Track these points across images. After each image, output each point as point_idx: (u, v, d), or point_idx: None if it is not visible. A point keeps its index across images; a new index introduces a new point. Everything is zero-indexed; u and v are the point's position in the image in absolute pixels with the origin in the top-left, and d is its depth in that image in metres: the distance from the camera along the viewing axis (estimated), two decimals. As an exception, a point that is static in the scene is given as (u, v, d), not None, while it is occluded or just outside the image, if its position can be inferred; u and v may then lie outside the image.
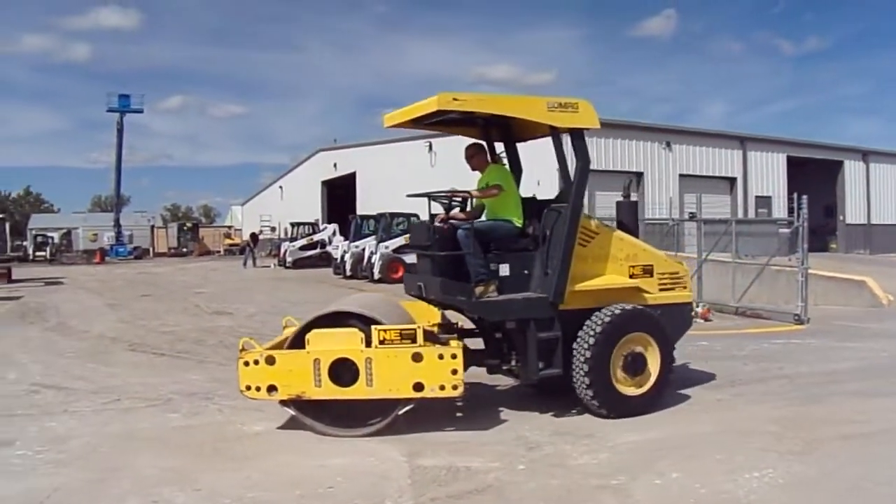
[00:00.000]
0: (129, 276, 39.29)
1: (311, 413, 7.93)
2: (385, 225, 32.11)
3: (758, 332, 15.85)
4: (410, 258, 30.15)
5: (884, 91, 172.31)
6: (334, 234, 43.15)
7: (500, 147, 9.81)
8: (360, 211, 43.98)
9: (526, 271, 8.65)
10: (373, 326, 7.76)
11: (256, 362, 7.79)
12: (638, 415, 8.39)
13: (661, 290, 9.19)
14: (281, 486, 6.41)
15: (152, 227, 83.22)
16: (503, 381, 9.82)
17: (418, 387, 7.65)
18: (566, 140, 9.08)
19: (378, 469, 6.82)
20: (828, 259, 29.10)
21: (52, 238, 70.65)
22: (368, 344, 7.70)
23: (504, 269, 8.57)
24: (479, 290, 8.34)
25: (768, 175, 38.22)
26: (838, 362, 12.12)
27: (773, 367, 11.51)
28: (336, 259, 35.90)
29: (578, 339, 8.33)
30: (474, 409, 8.59)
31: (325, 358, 7.71)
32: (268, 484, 6.47)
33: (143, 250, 72.59)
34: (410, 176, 39.47)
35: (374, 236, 32.29)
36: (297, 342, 7.93)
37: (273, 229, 64.49)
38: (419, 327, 7.87)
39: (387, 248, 30.61)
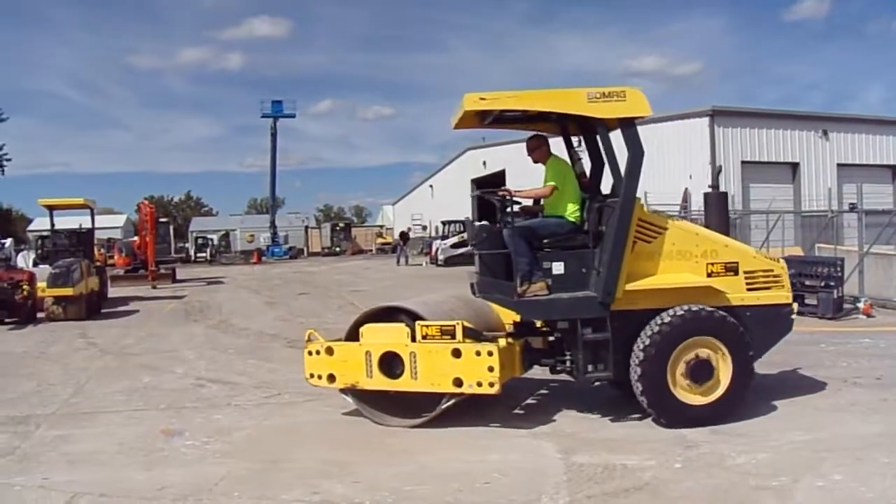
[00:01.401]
0: (286, 275, 40.45)
1: (368, 402, 8.43)
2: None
3: (927, 328, 15.15)
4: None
5: None
6: (484, 231, 43.22)
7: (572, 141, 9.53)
8: (510, 208, 44.02)
9: (584, 269, 8.27)
10: (417, 322, 8.04)
11: (318, 352, 8.45)
12: (703, 425, 7.82)
13: (749, 289, 8.47)
14: (438, 480, 6.50)
15: (306, 227, 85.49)
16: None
17: (458, 382, 7.82)
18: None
19: (534, 465, 6.84)
20: None
21: (212, 240, 73.48)
22: (413, 339, 8.01)
23: (558, 268, 8.27)
24: (521, 288, 8.08)
25: (934, 161, 36.43)
26: None
27: (945, 366, 10.98)
28: (487, 256, 35.96)
29: (637, 342, 7.94)
30: (627, 407, 8.48)
31: (374, 350, 8.15)
32: (425, 477, 6.58)
33: (297, 250, 74.56)
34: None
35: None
36: (353, 335, 8.40)
37: (424, 228, 65.22)
38: (458, 324, 7.95)
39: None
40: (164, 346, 14.91)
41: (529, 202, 9.30)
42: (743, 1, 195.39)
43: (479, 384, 7.71)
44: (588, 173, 9.15)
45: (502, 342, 8.06)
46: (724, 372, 8.01)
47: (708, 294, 8.25)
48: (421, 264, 45.77)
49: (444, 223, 49.73)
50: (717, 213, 9.26)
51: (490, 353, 7.69)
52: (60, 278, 19.70)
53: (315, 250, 78.65)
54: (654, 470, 6.60)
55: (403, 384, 8.10)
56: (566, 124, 9.24)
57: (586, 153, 9.29)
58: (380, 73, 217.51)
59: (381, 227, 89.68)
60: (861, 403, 8.74)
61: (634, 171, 8.10)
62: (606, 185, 8.84)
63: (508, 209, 8.52)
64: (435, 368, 7.88)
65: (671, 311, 7.95)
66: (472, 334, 8.08)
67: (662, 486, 6.22)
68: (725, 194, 9.69)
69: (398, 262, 47.31)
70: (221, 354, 13.73)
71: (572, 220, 8.57)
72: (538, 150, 8.98)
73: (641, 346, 7.88)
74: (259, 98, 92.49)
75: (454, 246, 43.76)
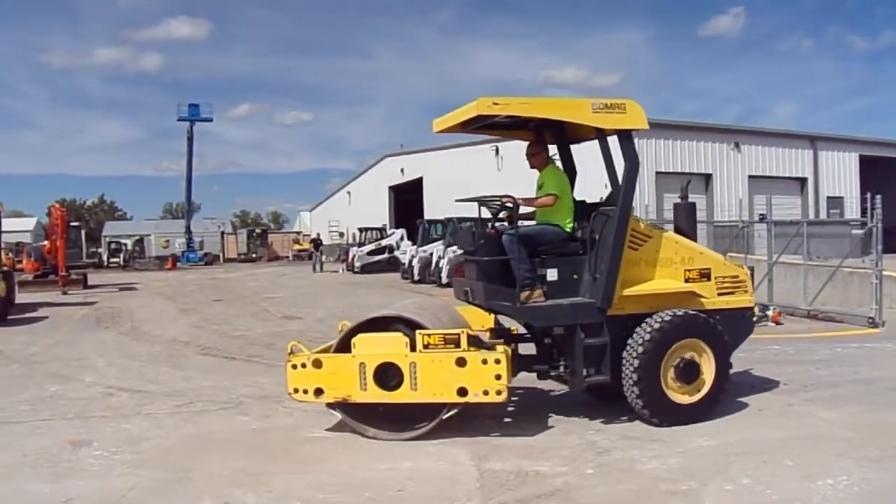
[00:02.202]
0: (201, 281, 39.93)
1: (357, 416, 8.02)
2: (452, 229, 32.15)
3: (830, 335, 15.53)
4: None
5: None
6: (402, 238, 43.37)
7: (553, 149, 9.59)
8: (427, 216, 44.18)
9: (575, 276, 8.49)
10: (417, 331, 7.78)
11: (304, 366, 7.92)
12: (691, 423, 8.16)
13: (719, 294, 8.91)
14: (351, 489, 6.47)
15: (222, 233, 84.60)
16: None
17: (462, 392, 7.62)
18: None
19: (447, 472, 6.85)
20: (903, 261, 28.43)
21: (126, 245, 72.25)
22: (413, 348, 7.72)
23: (552, 274, 8.45)
24: (524, 295, 8.20)
25: (840, 175, 37.56)
26: (916, 367, 11.83)
27: (847, 371, 11.28)
28: (404, 264, 36.08)
29: (628, 346, 8.14)
30: (540, 414, 8.55)
31: (370, 362, 7.76)
32: (338, 486, 6.54)
33: (213, 256, 73.71)
34: (477, 180, 39.51)
35: (441, 241, 32.38)
36: (343, 346, 8.02)
37: (341, 234, 65.00)
38: (463, 332, 7.79)
39: (454, 252, 30.63)
40: (73, 354, 14.53)
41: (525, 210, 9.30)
42: (662, 16, 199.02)
43: (486, 392, 7.62)
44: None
45: (499, 349, 8.00)
46: (708, 372, 8.39)
47: (687, 299, 8.65)
48: (338, 271, 45.63)
49: (360, 230, 49.61)
50: (687, 222, 9.58)
51: (497, 361, 7.63)
52: (-36, 284, 19.14)
53: (231, 256, 77.91)
54: (567, 476, 6.66)
55: (401, 396, 7.75)
56: (544, 133, 9.34)
57: (560, 162, 9.50)
58: (299, 77, 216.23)
59: (298, 233, 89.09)
60: (769, 409, 8.95)
61: (631, 181, 8.38)
62: (578, 194, 9.15)
63: (508, 216, 8.77)
64: (437, 378, 7.65)
65: (662, 316, 8.23)
66: (476, 342, 8.11)
67: (574, 492, 6.28)
68: (694, 205, 9.89)
69: (314, 268, 47.16)
70: (132, 362, 13.44)
71: (568, 229, 8.75)
72: (537, 157, 9.11)
73: (636, 349, 8.10)
74: (176, 101, 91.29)
75: (371, 253, 43.76)
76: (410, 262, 34.33)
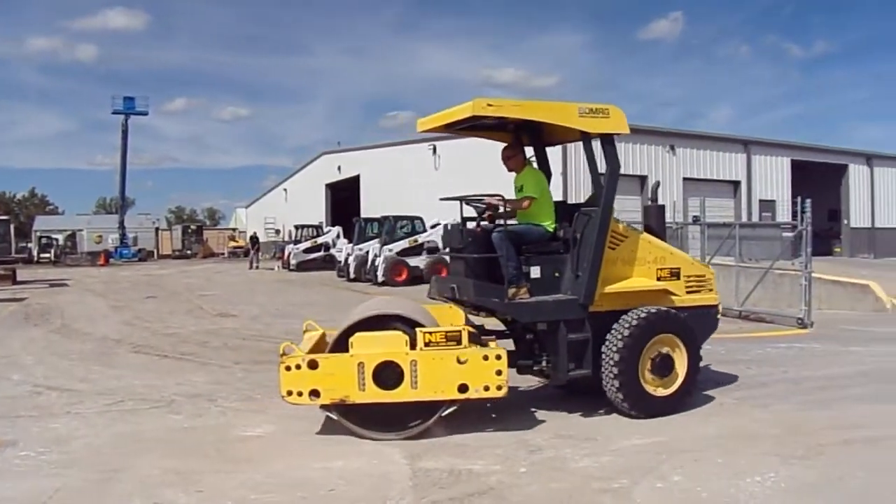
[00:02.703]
0: (134, 278, 39.36)
1: (351, 418, 7.80)
2: (389, 227, 32.12)
3: (761, 335, 15.82)
4: (414, 261, 30.29)
5: (890, 96, 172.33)
6: (338, 236, 43.23)
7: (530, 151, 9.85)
8: (364, 213, 44.07)
9: (557, 274, 8.77)
10: (418, 329, 7.79)
11: (298, 367, 7.62)
12: (665, 415, 8.53)
13: (688, 292, 9.33)
14: (283, 488, 6.41)
15: (157, 229, 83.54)
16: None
17: (463, 388, 7.69)
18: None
19: (380, 471, 6.82)
20: (832, 263, 29.07)
21: (57, 240, 70.99)
22: (413, 346, 7.70)
23: (535, 272, 8.71)
24: (511, 291, 8.43)
25: (772, 179, 38.26)
26: (842, 366, 12.09)
27: (777, 371, 11.50)
28: (340, 262, 35.98)
29: (608, 341, 8.43)
30: (475, 413, 8.56)
31: (369, 361, 7.61)
32: (270, 486, 6.48)
33: (147, 252, 72.86)
34: (414, 178, 39.59)
35: (377, 239, 32.30)
36: (340, 346, 7.83)
37: (277, 232, 64.56)
38: (464, 329, 7.92)
39: (390, 250, 30.62)
40: (0, 352, 14.24)
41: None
42: (601, 19, 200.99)
43: (487, 388, 7.72)
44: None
45: (495, 345, 8.18)
46: (681, 366, 8.76)
47: (660, 296, 9.07)
48: (273, 269, 45.31)
49: (297, 227, 49.34)
50: (657, 223, 9.88)
51: (498, 357, 7.78)
52: None
53: (166, 253, 77.08)
54: (499, 474, 6.67)
55: (401, 395, 7.65)
56: (521, 136, 9.56)
57: (536, 164, 9.71)
58: (238, 72, 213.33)
59: (234, 230, 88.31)
60: (700, 407, 9.09)
61: (613, 183, 8.75)
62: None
63: (494, 215, 8.94)
64: (439, 376, 7.65)
65: (640, 312, 8.56)
66: (474, 339, 8.19)
67: (507, 491, 6.30)
68: (664, 206, 10.20)
69: (250, 265, 46.87)
70: (62, 360, 13.17)
71: (550, 229, 8.96)
72: (513, 159, 9.29)
73: (615, 344, 8.39)
74: (111, 93, 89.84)
75: (307, 251, 43.56)
76: (346, 260, 34.21)
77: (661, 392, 8.63)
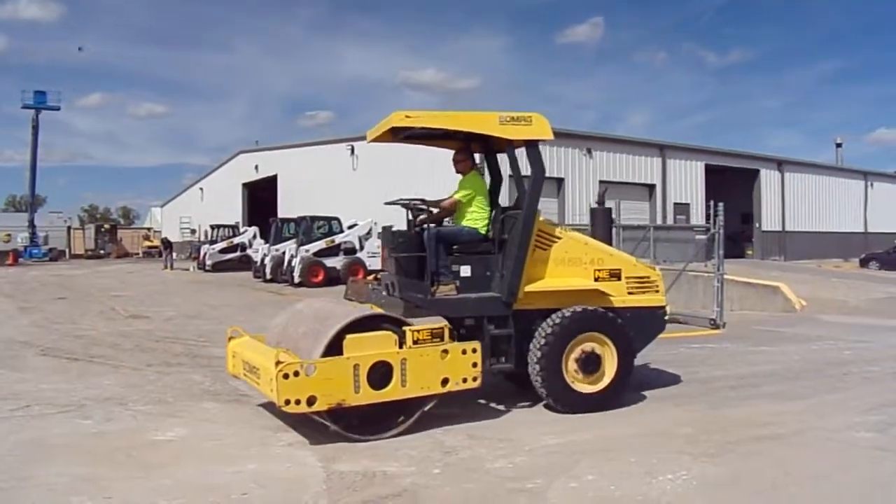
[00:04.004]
0: (44, 278, 38.38)
1: (340, 423, 7.70)
2: (306, 228, 31.94)
3: (675, 336, 16.02)
4: (331, 262, 30.15)
5: (800, 104, 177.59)
6: (255, 237, 42.92)
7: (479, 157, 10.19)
8: (281, 214, 43.72)
9: (488, 273, 9.00)
10: (406, 328, 7.97)
11: (296, 373, 7.37)
12: (593, 411, 8.76)
13: (630, 293, 9.53)
14: (194, 494, 6.30)
15: (69, 228, 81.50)
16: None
17: (444, 382, 8.02)
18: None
19: (293, 474, 6.75)
20: (744, 265, 29.67)
21: (-38, 238, 68.85)
22: (401, 345, 7.86)
23: (465, 271, 8.96)
24: (433, 288, 8.71)
25: (687, 182, 38.93)
26: (753, 366, 12.36)
27: (689, 370, 11.71)
28: (256, 262, 35.69)
29: (534, 338, 8.72)
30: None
31: (364, 363, 7.63)
32: (181, 491, 6.35)
33: (58, 252, 71.13)
34: (332, 179, 39.39)
35: (294, 240, 32.10)
36: (332, 350, 7.66)
37: (193, 231, 63.70)
38: (446, 326, 8.20)
39: (307, 251, 30.43)
40: None
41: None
42: (520, 23, 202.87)
43: (465, 380, 8.13)
44: (488, 188, 9.85)
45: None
46: (610, 364, 9.03)
47: (595, 296, 9.28)
48: (188, 269, 44.70)
49: (212, 227, 48.74)
50: (602, 226, 10.10)
51: (474, 350, 8.22)
52: None
53: (78, 252, 75.39)
54: (414, 476, 6.67)
55: (392, 393, 7.76)
56: (471, 144, 9.74)
57: (487, 170, 10.17)
58: (155, 68, 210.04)
59: (149, 229, 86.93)
60: (615, 408, 9.15)
61: (537, 187, 9.07)
62: (504, 199, 9.91)
63: (424, 216, 9.26)
64: (425, 372, 7.88)
65: (565, 310, 8.85)
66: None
67: (421, 492, 6.30)
68: (610, 210, 10.49)
69: (165, 266, 46.20)
70: (-35, 363, 12.78)
71: (483, 231, 9.28)
72: (462, 163, 9.62)
73: (539, 341, 8.72)
74: (21, 86, 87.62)
75: (223, 251, 43.13)
76: (263, 260, 33.96)
77: (588, 388, 8.89)
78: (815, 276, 28.81)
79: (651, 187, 37.72)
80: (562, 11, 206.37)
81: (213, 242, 45.44)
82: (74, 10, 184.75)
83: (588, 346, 8.87)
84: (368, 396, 7.65)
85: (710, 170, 39.76)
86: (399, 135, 9.36)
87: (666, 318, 10.03)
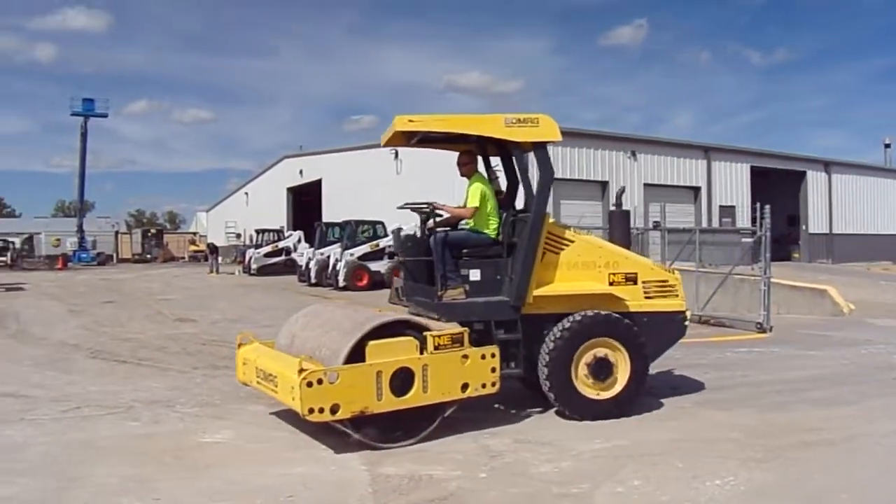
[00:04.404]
0: (92, 282, 38.89)
1: (363, 431, 7.56)
2: (350, 232, 32.03)
3: (721, 340, 15.93)
4: (375, 266, 30.22)
5: (847, 104, 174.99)
6: (299, 241, 43.07)
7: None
8: (325, 218, 43.89)
9: (498, 277, 8.85)
10: (427, 333, 7.84)
11: (320, 381, 7.18)
12: (604, 419, 8.57)
13: (647, 297, 9.31)
14: (241, 496, 6.35)
15: (116, 232, 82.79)
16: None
17: (464, 387, 7.92)
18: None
19: (339, 478, 6.78)
20: (790, 268, 29.37)
21: (14, 243, 69.90)
22: (422, 351, 7.74)
23: (475, 275, 8.84)
24: (442, 293, 8.61)
25: (732, 185, 38.63)
26: (800, 370, 12.21)
27: (736, 375, 11.60)
28: (301, 266, 35.80)
29: (544, 343, 8.58)
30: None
31: (386, 369, 7.47)
32: (228, 493, 6.41)
33: (106, 256, 72.11)
34: (376, 183, 39.46)
35: (339, 244, 32.21)
36: (354, 356, 7.47)
37: (238, 236, 64.19)
38: (466, 331, 8.08)
39: (352, 255, 30.51)
40: (-47, 357, 14.00)
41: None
42: (565, 24, 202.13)
43: (484, 385, 8.05)
44: (504, 190, 9.80)
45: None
46: (623, 370, 8.80)
47: (610, 301, 9.03)
48: (234, 273, 45.05)
49: (257, 231, 49.05)
50: (620, 229, 9.95)
51: (493, 355, 8.13)
52: None
53: (125, 257, 76.41)
54: (459, 480, 6.65)
55: (413, 400, 7.61)
56: (486, 146, 9.72)
57: (503, 173, 9.90)
58: (200, 75, 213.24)
59: (195, 233, 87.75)
60: (660, 411, 9.16)
61: (545, 189, 8.84)
62: (521, 202, 9.53)
63: (432, 220, 9.27)
64: (445, 378, 7.78)
65: (574, 315, 8.65)
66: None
67: (467, 496, 6.28)
68: (628, 212, 10.28)
69: (210, 270, 46.58)
70: (16, 366, 12.97)
71: (492, 235, 9.14)
72: (467, 166, 9.50)
73: (548, 346, 8.56)
74: (70, 94, 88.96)
75: (267, 255, 43.33)
76: (307, 264, 34.05)
77: (600, 395, 8.72)
78: (863, 279, 28.42)
79: (696, 190, 37.48)
80: (605, 13, 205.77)
81: (258, 246, 45.70)
82: (121, 19, 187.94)
83: (600, 352, 8.69)
84: (391, 403, 7.51)
85: (755, 171, 39.43)
86: (411, 139, 9.34)
87: (686, 323, 9.77)
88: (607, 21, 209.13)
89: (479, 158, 9.86)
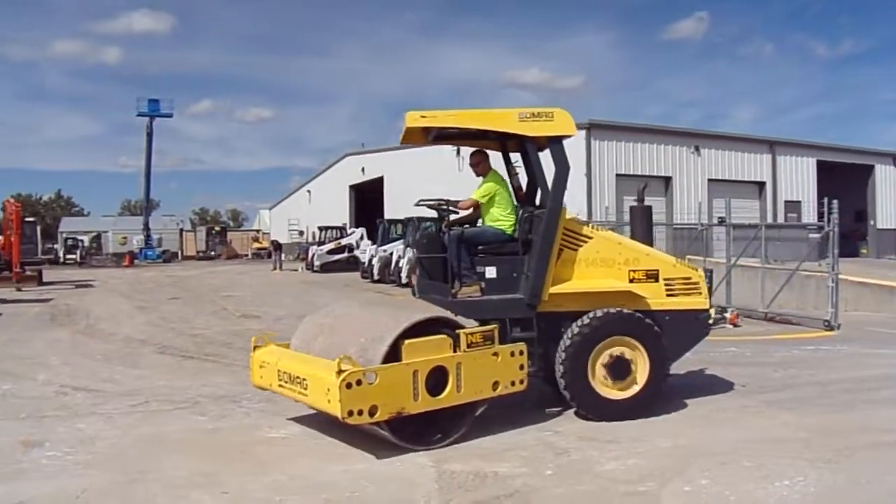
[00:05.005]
0: (158, 279, 39.52)
1: (399, 433, 7.36)
2: (412, 229, 32.06)
3: (787, 338, 15.71)
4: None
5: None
6: (362, 238, 43.24)
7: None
8: (387, 215, 44.04)
9: (514, 274, 8.78)
10: (460, 331, 7.70)
11: (359, 382, 6.88)
12: (622, 419, 8.40)
13: (668, 295, 9.09)
14: (307, 491, 6.40)
15: (181, 230, 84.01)
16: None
17: (495, 385, 7.78)
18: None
19: (405, 474, 6.80)
20: (858, 264, 28.83)
21: (83, 241, 71.42)
22: (455, 348, 7.60)
23: (491, 272, 8.77)
24: (457, 290, 8.60)
25: (798, 179, 37.96)
26: (870, 369, 11.99)
27: (804, 373, 11.41)
28: (363, 263, 35.97)
29: (561, 340, 8.48)
30: (497, 415, 8.51)
31: (422, 368, 7.27)
32: (294, 488, 6.47)
33: (171, 253, 73.34)
34: (438, 180, 39.42)
35: (401, 240, 32.31)
36: (391, 356, 7.27)
37: (301, 233, 64.73)
38: (496, 328, 7.95)
39: (414, 252, 30.50)
40: (26, 352, 14.28)
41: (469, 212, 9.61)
42: (625, 20, 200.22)
43: (513, 383, 7.92)
44: (525, 186, 9.68)
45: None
46: (642, 370, 8.62)
47: (629, 298, 8.85)
48: (297, 270, 45.42)
49: (320, 229, 49.43)
50: (642, 225, 9.76)
51: (521, 352, 7.99)
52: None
53: (190, 254, 77.56)
54: (525, 477, 6.64)
55: (448, 399, 7.46)
56: (505, 142, 9.63)
57: (523, 168, 9.72)
58: (262, 74, 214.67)
59: (258, 231, 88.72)
60: (726, 410, 9.05)
61: (561, 185, 8.73)
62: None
63: (446, 217, 9.10)
64: (478, 376, 7.63)
65: (593, 313, 8.50)
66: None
67: (533, 493, 6.26)
68: (650, 208, 10.08)
69: (274, 267, 47.04)
70: (87, 361, 13.25)
71: (509, 232, 9.03)
72: (480, 165, 9.44)
73: (564, 345, 8.42)
74: (136, 95, 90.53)
75: (330, 252, 43.57)
76: (370, 261, 34.24)
77: (618, 395, 8.55)
78: (934, 275, 27.84)
79: (761, 185, 36.91)
80: (666, 6, 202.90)
81: (321, 243, 46.04)
82: (185, 21, 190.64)
83: (617, 351, 8.51)
84: (427, 403, 7.33)
85: (821, 166, 38.68)
86: (429, 135, 9.27)
87: (710, 321, 9.50)
88: (668, 14, 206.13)
89: (500, 154, 9.82)
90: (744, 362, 12.02)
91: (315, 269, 42.58)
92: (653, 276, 9.05)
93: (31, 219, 48.13)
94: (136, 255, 65.37)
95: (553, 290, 8.61)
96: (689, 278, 9.28)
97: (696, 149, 34.49)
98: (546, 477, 6.68)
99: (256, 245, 77.55)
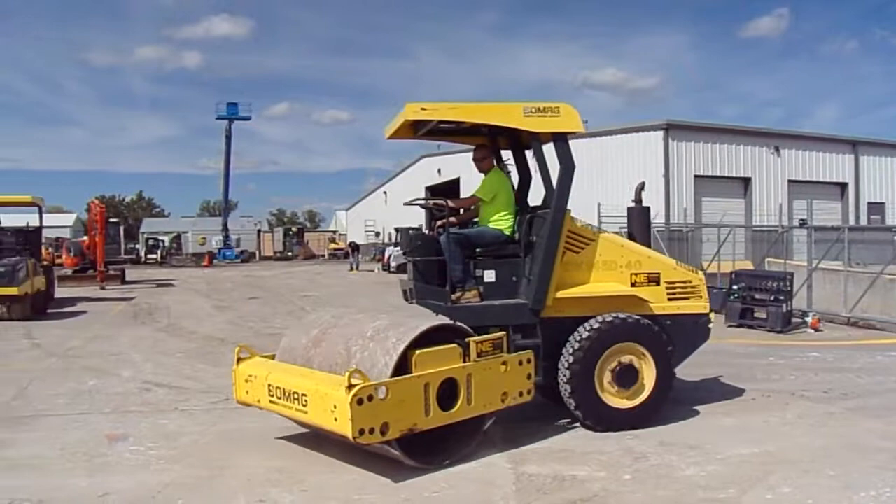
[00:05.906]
0: (237, 278, 40.16)
1: (410, 452, 6.82)
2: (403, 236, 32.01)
3: (871, 343, 15.32)
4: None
5: None
6: (438, 239, 43.28)
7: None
8: (463, 216, 44.07)
9: (514, 278, 8.48)
10: (470, 339, 7.19)
11: (370, 398, 6.29)
12: (630, 428, 8.13)
13: (670, 299, 8.81)
14: (385, 490, 6.43)
15: (259, 231, 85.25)
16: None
17: (503, 397, 7.37)
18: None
19: (483, 476, 6.79)
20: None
21: (163, 241, 73.02)
22: (465, 359, 7.11)
23: (489, 276, 8.44)
24: (456, 295, 8.20)
25: (882, 180, 37.12)
26: (959, 376, 11.64)
27: (889, 380, 11.10)
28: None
29: (564, 349, 8.15)
30: (573, 419, 8.51)
31: (433, 381, 6.76)
32: (373, 487, 6.50)
33: (249, 254, 74.42)
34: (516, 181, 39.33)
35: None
36: (400, 368, 6.71)
37: (377, 234, 65.15)
38: (504, 335, 7.57)
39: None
40: (110, 349, 14.67)
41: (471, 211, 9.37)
42: (702, 18, 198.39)
43: (521, 394, 7.54)
44: (516, 186, 9.33)
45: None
46: (649, 377, 8.34)
47: (632, 303, 8.57)
48: (373, 270, 45.75)
49: (397, 230, 49.63)
50: (640, 226, 9.52)
51: (529, 361, 7.65)
52: (5, 277, 19.33)
53: (267, 254, 78.59)
54: (604, 481, 6.58)
55: (459, 413, 6.98)
56: (497, 139, 9.38)
57: (514, 167, 9.52)
58: (339, 77, 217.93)
59: (335, 232, 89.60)
60: (809, 417, 8.83)
61: (565, 184, 8.34)
62: (533, 198, 9.17)
63: (442, 218, 8.64)
64: (487, 387, 7.16)
65: (598, 319, 8.18)
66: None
67: (612, 498, 6.20)
68: (648, 209, 9.82)
69: (351, 267, 47.45)
70: (169, 358, 13.54)
71: (508, 233, 8.74)
72: (485, 161, 9.17)
73: (569, 352, 8.09)
74: (215, 99, 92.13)
75: (406, 253, 43.68)
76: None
77: (625, 404, 8.25)
78: None
79: (843, 186, 36.16)
80: (744, 4, 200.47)
81: (397, 245, 46.27)
82: (263, 25, 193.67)
83: (625, 358, 8.19)
84: (439, 419, 6.83)
85: (906, 166, 37.82)
86: (419, 130, 8.91)
87: (710, 325, 9.17)
88: (747, 12, 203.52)
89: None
90: (826, 368, 11.76)
91: (391, 269, 42.87)
92: (654, 280, 8.77)
93: (114, 219, 49.27)
94: (215, 256, 66.55)
95: (556, 294, 8.27)
96: (689, 281, 9.00)
97: (776, 149, 33.91)
98: (624, 481, 6.60)
99: (333, 246, 78.34)
